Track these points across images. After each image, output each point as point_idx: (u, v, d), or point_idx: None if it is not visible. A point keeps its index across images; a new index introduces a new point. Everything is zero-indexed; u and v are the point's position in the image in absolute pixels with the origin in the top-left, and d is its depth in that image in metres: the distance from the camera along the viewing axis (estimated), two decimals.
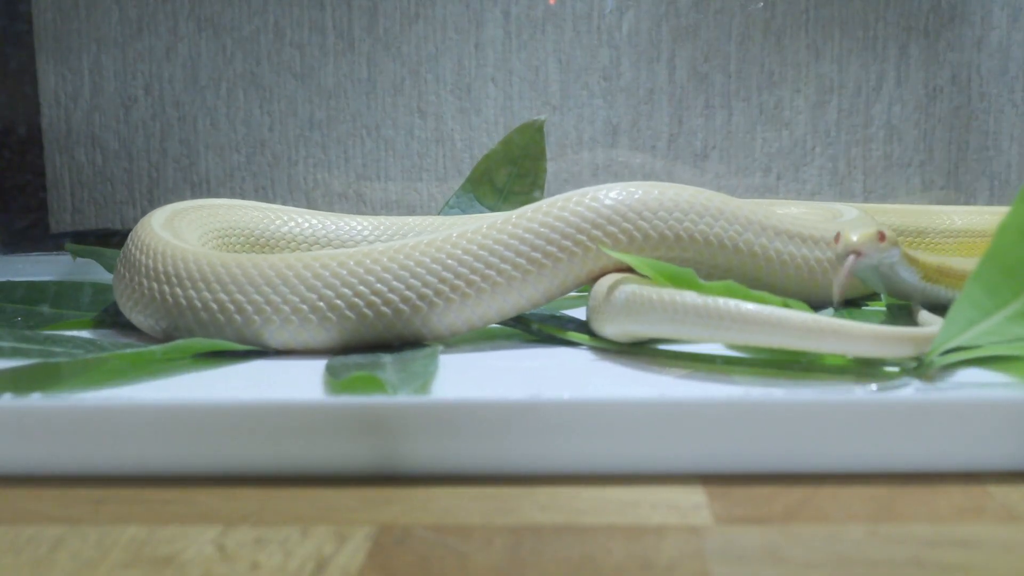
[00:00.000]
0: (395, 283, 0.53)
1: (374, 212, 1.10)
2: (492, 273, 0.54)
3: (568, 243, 0.55)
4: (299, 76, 1.09)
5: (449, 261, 0.54)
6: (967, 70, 1.05)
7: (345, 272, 0.53)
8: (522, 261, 0.55)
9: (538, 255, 0.55)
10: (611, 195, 0.57)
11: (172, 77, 1.11)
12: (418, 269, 0.53)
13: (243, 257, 0.55)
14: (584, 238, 0.56)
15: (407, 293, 0.53)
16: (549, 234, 0.55)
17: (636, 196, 0.57)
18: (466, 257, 0.54)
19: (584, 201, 0.57)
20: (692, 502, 0.37)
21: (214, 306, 0.54)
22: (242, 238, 0.72)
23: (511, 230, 0.55)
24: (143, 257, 0.58)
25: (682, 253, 0.57)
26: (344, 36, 1.09)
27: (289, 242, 0.74)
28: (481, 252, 0.54)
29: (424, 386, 0.45)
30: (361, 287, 0.53)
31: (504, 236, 0.55)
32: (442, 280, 0.53)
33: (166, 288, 0.55)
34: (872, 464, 0.40)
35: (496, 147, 0.91)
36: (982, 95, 1.05)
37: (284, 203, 0.79)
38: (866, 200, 1.07)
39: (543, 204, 0.57)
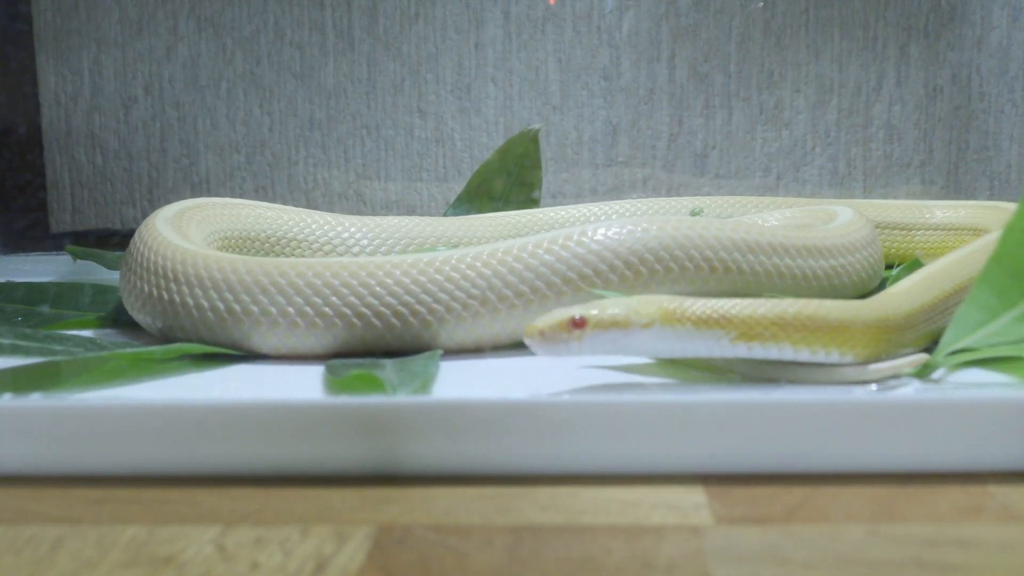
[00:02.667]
0: (388, 297, 0.53)
1: (374, 212, 1.10)
2: (493, 297, 0.54)
3: (573, 276, 0.54)
4: (299, 76, 1.09)
5: (448, 284, 0.53)
6: (967, 70, 1.05)
7: (338, 282, 0.53)
8: (525, 289, 0.54)
9: (542, 284, 0.54)
10: (612, 232, 0.55)
11: (172, 77, 1.11)
12: (413, 287, 0.53)
13: (237, 259, 0.54)
14: (590, 272, 0.55)
15: (400, 308, 0.53)
16: (549, 275, 0.54)
17: (636, 234, 0.55)
18: (464, 282, 0.53)
19: (585, 239, 0.55)
20: (692, 502, 0.37)
21: (205, 303, 0.53)
22: (251, 239, 0.72)
23: (511, 263, 0.54)
24: (141, 254, 0.58)
25: (672, 286, 0.56)
26: (344, 36, 1.09)
27: (289, 241, 0.73)
28: (480, 280, 0.54)
29: (424, 386, 0.45)
30: (352, 298, 0.53)
31: (504, 269, 0.54)
32: (437, 300, 0.53)
33: (162, 286, 0.55)
34: (872, 464, 0.40)
35: (492, 157, 0.91)
36: (982, 95, 1.05)
37: (284, 203, 0.79)
38: (866, 199, 1.07)
39: (544, 239, 0.55)
